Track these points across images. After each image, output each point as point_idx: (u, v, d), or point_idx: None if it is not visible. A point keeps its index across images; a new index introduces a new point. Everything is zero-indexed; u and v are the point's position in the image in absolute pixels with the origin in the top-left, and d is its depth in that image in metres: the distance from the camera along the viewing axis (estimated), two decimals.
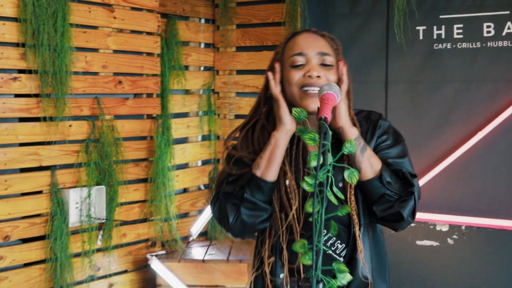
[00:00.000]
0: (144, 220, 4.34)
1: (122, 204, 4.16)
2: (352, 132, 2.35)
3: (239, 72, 5.01)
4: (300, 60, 2.37)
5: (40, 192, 3.77)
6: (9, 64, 3.61)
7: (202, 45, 5.01)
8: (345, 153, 2.21)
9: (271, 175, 2.32)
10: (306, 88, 2.34)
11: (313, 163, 2.15)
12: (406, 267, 4.65)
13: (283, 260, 2.39)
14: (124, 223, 4.19)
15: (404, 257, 4.66)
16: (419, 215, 4.64)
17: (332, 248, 2.40)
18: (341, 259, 2.39)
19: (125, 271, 4.26)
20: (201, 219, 4.75)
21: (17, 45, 3.63)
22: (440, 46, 4.63)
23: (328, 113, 2.21)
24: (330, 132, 2.16)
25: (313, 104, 2.34)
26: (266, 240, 2.43)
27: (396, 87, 4.79)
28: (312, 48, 2.39)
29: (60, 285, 3.80)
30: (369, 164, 2.34)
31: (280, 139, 2.32)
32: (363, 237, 2.40)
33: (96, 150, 3.99)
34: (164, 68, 4.56)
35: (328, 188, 2.14)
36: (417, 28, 4.68)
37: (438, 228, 4.55)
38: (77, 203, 3.89)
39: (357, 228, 2.37)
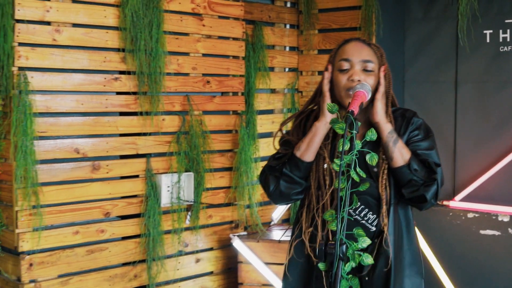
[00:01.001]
0: (228, 204, 4.89)
1: (208, 189, 4.72)
2: (386, 127, 2.83)
3: (321, 73, 5.48)
4: (345, 65, 2.87)
5: (136, 176, 4.38)
6: (111, 66, 4.23)
7: (287, 49, 5.52)
8: (367, 140, 2.72)
9: (308, 157, 2.82)
10: (349, 90, 2.85)
11: (341, 148, 2.67)
12: (470, 255, 4.98)
13: (318, 231, 2.88)
14: (210, 206, 4.75)
15: (469, 245, 4.99)
16: (483, 207, 4.98)
17: (365, 219, 2.87)
18: (373, 227, 2.86)
19: (211, 249, 4.82)
20: (282, 206, 5.26)
21: (118, 50, 4.25)
22: (505, 48, 4.95)
23: (356, 107, 2.72)
24: (359, 123, 2.68)
25: None
26: (304, 213, 2.93)
27: (465, 87, 5.14)
28: (357, 55, 2.88)
29: (152, 257, 4.39)
30: (400, 154, 2.80)
31: (320, 128, 2.81)
32: (394, 214, 2.87)
33: (186, 141, 4.57)
34: (250, 69, 5.10)
35: (352, 168, 2.66)
36: (484, 31, 5.02)
37: (500, 218, 4.86)
38: (168, 186, 4.47)
39: (384, 205, 2.83)
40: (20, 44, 3.87)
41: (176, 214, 4.54)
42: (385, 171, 2.86)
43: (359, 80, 2.86)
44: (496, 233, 4.88)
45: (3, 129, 3.89)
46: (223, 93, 4.87)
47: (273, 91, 5.41)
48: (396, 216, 2.89)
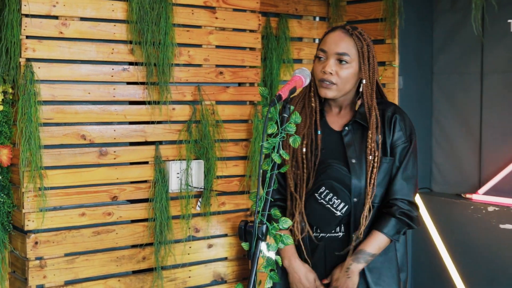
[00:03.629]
0: (243, 192, 5.00)
1: (221, 177, 4.86)
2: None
3: None
4: (322, 55, 3.04)
5: (145, 162, 4.58)
6: (119, 57, 4.45)
7: (316, 41, 5.58)
8: (292, 122, 2.80)
9: None
10: (322, 81, 3.01)
11: (269, 130, 2.78)
12: (490, 249, 4.89)
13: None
14: (223, 193, 4.89)
15: (488, 239, 4.91)
16: (505, 200, 4.88)
17: (330, 203, 2.99)
18: (339, 212, 2.96)
19: (225, 235, 4.96)
20: None
21: (125, 42, 4.47)
22: None
23: (285, 91, 2.82)
24: (291, 107, 2.80)
25: (327, 93, 3.00)
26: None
27: (491, 78, 5.05)
28: (333, 47, 3.03)
29: (159, 241, 4.58)
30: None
31: None
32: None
33: (197, 130, 4.73)
34: (272, 61, 5.22)
35: (276, 151, 2.75)
36: (508, 21, 4.91)
37: None
38: (177, 173, 4.65)
39: (366, 207, 2.96)
40: (28, 37, 4.14)
41: (185, 200, 4.70)
42: (375, 168, 2.99)
43: (330, 73, 3.00)
44: None
45: (13, 116, 4.18)
46: (240, 84, 4.98)
47: None
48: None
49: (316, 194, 2.98)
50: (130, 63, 4.51)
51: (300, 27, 5.46)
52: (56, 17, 4.23)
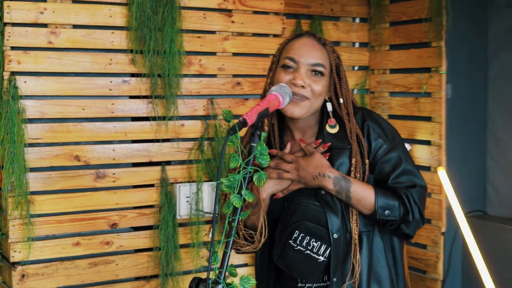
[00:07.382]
0: None
1: None
2: (327, 182, 2.43)
3: (393, 71, 4.87)
4: (290, 63, 2.49)
5: (149, 185, 4.11)
6: (118, 69, 3.99)
7: (356, 45, 4.98)
8: (258, 156, 2.27)
9: None
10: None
11: (232, 164, 2.26)
12: None
13: None
14: None
15: None
16: None
17: (309, 248, 2.46)
18: (322, 257, 2.43)
19: (245, 265, 4.43)
20: None
21: (125, 51, 4.00)
22: None
23: (252, 114, 2.28)
24: (264, 134, 2.28)
25: (295, 110, 2.42)
26: None
27: None
28: (306, 56, 2.50)
29: (165, 272, 4.09)
30: (360, 206, 2.43)
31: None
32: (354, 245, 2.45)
33: (210, 148, 4.22)
34: None
35: (235, 191, 2.24)
36: None
37: None
38: (187, 197, 4.15)
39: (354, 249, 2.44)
40: (13, 48, 3.73)
41: (196, 227, 4.20)
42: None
43: (302, 86, 2.47)
44: None
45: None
46: (261, 96, 4.44)
47: None
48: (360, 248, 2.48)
49: (290, 241, 2.43)
50: (131, 75, 4.04)
51: (336, 29, 4.87)
52: (44, 25, 3.80)
